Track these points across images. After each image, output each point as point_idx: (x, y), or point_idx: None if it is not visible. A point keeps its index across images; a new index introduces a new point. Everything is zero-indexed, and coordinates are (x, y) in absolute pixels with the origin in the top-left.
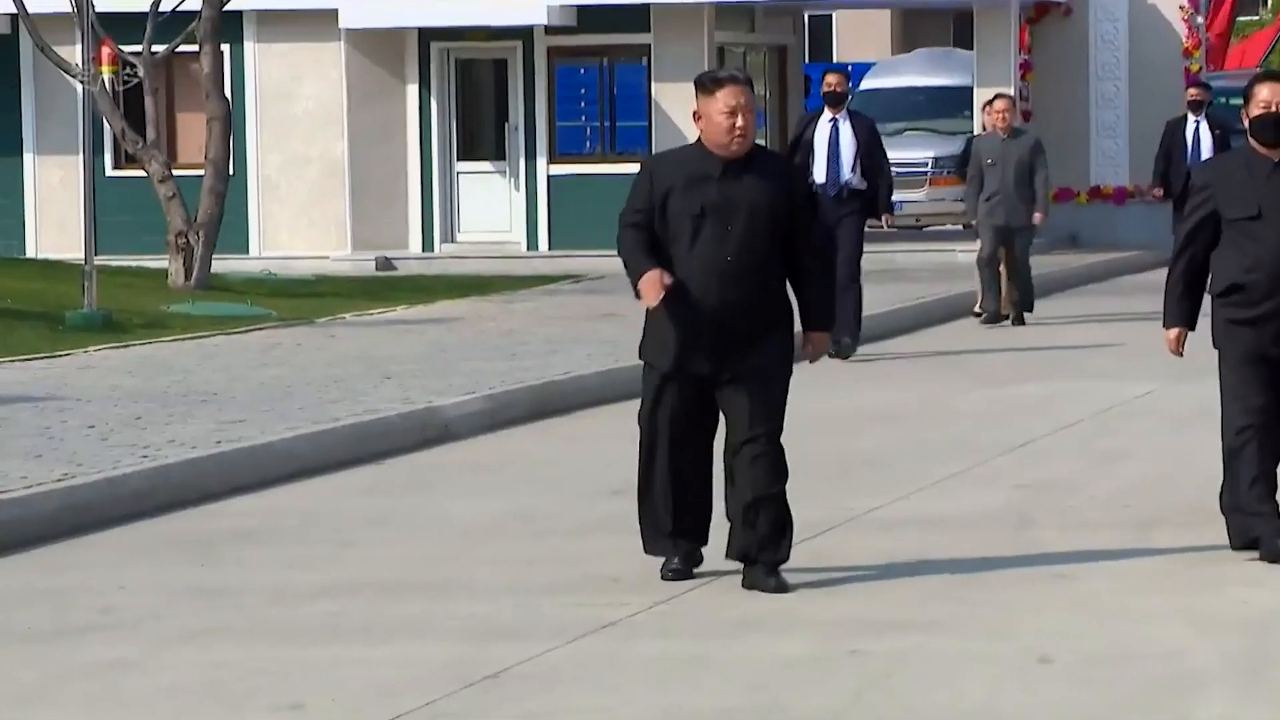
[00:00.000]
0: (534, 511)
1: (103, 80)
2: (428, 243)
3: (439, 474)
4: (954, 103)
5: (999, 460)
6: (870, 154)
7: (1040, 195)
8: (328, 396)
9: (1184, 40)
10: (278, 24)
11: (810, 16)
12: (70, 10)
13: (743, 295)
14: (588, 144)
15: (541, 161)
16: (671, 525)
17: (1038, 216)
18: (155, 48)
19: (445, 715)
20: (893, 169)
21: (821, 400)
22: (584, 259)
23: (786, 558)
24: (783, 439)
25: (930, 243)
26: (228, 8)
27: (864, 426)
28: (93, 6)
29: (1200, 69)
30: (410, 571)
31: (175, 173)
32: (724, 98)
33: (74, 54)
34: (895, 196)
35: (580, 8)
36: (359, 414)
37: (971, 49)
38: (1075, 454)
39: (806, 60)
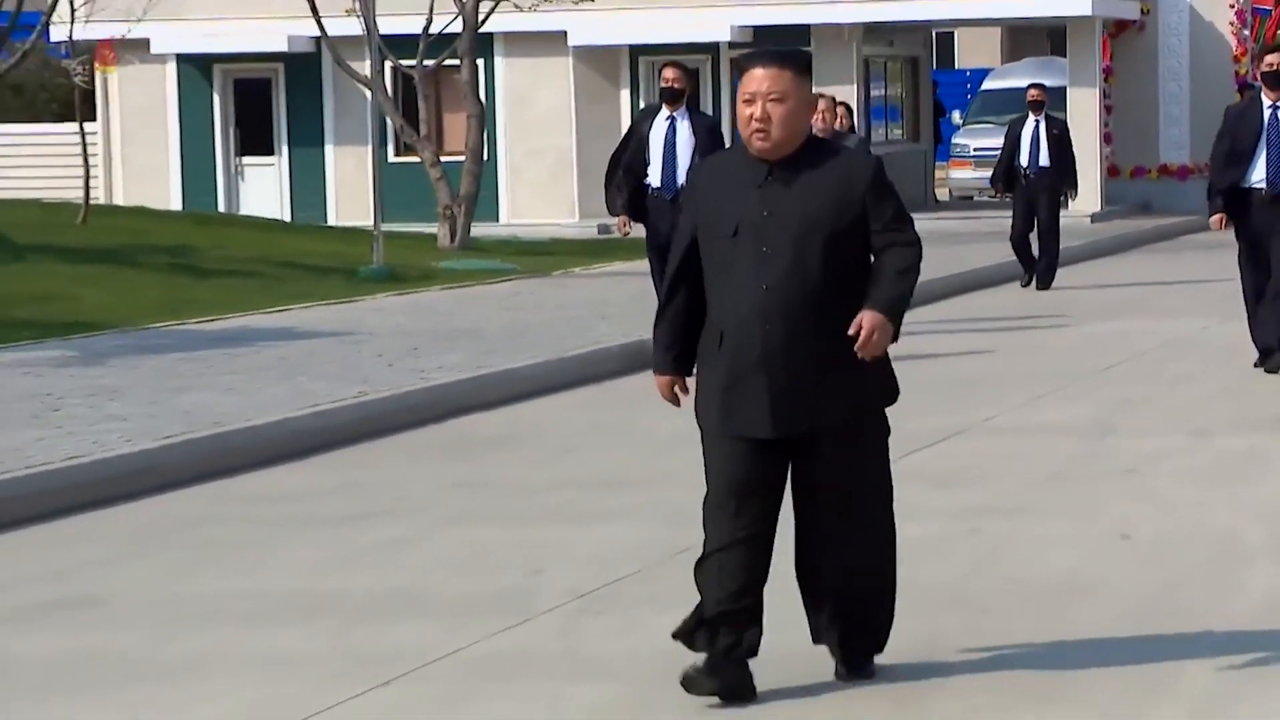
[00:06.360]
0: None
1: (384, 88)
2: None
3: (648, 394)
4: (1054, 100)
5: (1084, 382)
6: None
7: None
8: (559, 332)
9: (1234, 49)
10: (520, 43)
11: (937, 32)
12: (360, 33)
13: (789, 334)
14: None
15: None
16: (715, 609)
17: None
18: (426, 62)
19: (653, 578)
20: None
21: (926, 341)
22: None
23: (872, 653)
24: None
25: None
26: (481, 30)
27: (966, 358)
28: (378, 30)
29: (1247, 72)
30: (623, 470)
31: (442, 159)
32: (744, 83)
33: (364, 67)
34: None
35: (755, 27)
36: (584, 346)
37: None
38: (1147, 377)
39: (934, 68)
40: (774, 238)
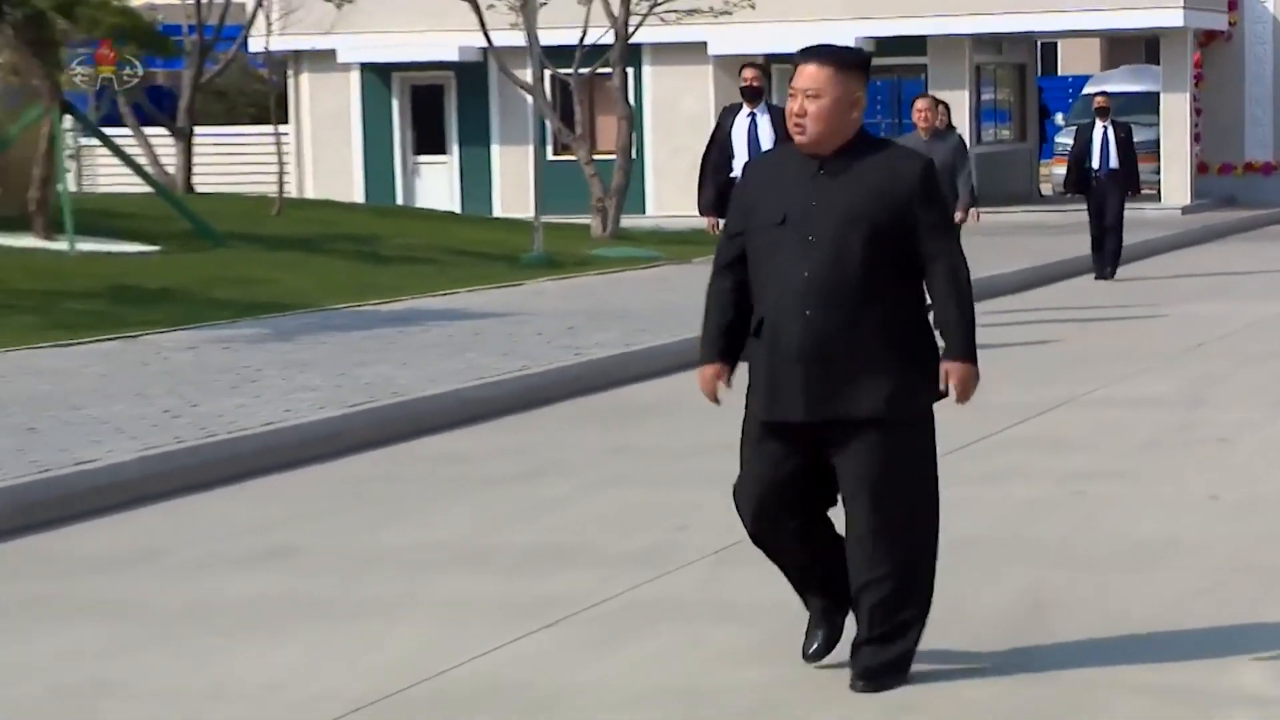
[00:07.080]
0: None
1: (544, 93)
2: None
3: None
4: (1148, 103)
5: (1176, 360)
6: None
7: (963, 193)
8: (702, 312)
9: None
10: (665, 53)
11: (1042, 42)
12: (523, 44)
13: (827, 323)
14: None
15: None
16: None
17: (958, 215)
18: (582, 70)
19: None
20: None
21: (1032, 324)
22: None
23: (894, 663)
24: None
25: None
26: (631, 41)
27: (1068, 339)
28: (539, 41)
29: None
30: None
31: (595, 157)
32: (794, 79)
33: (526, 75)
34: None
35: (878, 38)
36: None
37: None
38: (1233, 355)
39: (1039, 74)
40: (818, 227)
